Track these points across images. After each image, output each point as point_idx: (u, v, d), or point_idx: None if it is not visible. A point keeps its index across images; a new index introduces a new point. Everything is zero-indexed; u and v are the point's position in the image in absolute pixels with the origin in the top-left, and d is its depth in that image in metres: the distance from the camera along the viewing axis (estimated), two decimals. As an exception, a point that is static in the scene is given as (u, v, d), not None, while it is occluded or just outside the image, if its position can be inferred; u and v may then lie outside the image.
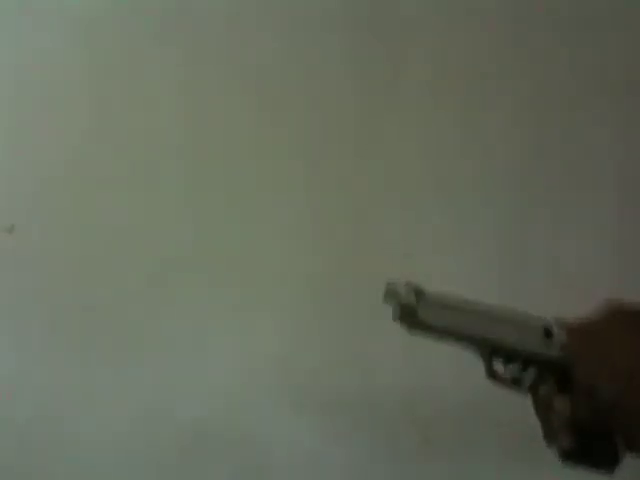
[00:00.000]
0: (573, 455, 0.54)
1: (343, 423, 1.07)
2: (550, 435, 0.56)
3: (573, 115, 1.09)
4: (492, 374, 0.58)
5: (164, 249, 1.08)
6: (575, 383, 0.54)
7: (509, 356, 0.58)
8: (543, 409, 0.56)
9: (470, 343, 0.59)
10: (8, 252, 1.07)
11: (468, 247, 1.08)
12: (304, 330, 1.08)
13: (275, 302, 1.08)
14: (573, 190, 1.09)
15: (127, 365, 1.08)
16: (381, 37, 1.09)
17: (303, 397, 1.07)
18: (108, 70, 1.09)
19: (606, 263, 1.07)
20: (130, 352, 1.08)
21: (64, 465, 1.07)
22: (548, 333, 0.58)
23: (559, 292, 1.03)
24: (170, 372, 1.07)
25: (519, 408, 0.64)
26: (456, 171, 1.10)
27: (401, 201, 1.09)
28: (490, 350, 0.58)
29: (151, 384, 1.07)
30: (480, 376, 0.66)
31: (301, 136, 1.10)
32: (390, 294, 0.57)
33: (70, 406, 1.07)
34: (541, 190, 1.10)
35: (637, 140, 1.09)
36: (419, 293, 0.57)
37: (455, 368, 1.00)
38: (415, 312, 0.56)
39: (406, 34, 1.10)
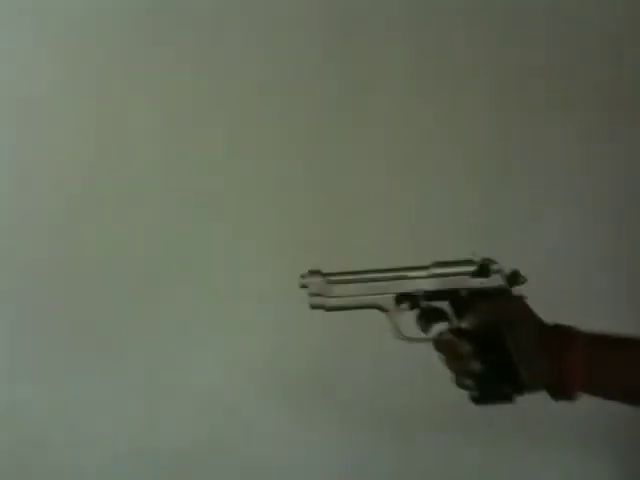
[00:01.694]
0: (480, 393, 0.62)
1: (324, 416, 1.11)
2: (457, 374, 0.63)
3: (547, 99, 1.11)
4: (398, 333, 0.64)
5: (149, 252, 1.10)
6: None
7: (413, 299, 0.64)
8: (447, 352, 0.63)
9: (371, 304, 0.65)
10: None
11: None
12: (286, 330, 1.10)
13: (258, 303, 1.10)
14: (548, 174, 1.12)
15: (114, 365, 1.10)
16: (360, 34, 1.11)
17: (286, 394, 1.11)
18: (93, 96, 1.10)
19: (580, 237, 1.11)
20: (117, 352, 1.10)
21: (53, 464, 1.10)
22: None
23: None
24: (156, 372, 1.10)
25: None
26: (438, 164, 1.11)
27: (384, 201, 1.11)
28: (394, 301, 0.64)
29: (138, 384, 1.10)
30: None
31: (282, 141, 1.11)
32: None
33: (58, 404, 1.09)
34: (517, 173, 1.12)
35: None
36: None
37: (426, 364, 1.06)
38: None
39: (385, 30, 1.11)
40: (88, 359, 1.09)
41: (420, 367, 1.07)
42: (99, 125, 1.10)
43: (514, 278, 0.63)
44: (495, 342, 0.61)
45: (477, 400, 0.62)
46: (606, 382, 0.61)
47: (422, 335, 0.65)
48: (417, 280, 0.63)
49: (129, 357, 1.10)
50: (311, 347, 1.10)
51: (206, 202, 1.11)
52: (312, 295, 0.64)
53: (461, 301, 0.63)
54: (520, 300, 0.62)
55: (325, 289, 0.64)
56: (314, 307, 0.64)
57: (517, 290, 0.63)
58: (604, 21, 1.11)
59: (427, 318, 0.65)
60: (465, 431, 1.11)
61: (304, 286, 0.64)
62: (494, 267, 0.63)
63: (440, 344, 0.63)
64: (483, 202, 1.10)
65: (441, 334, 0.63)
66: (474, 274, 0.63)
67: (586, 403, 1.05)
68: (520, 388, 0.61)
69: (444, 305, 0.63)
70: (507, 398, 0.61)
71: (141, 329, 1.10)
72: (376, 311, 0.68)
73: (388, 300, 0.63)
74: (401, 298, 0.64)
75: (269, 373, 1.10)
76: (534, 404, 1.06)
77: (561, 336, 0.61)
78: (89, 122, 1.10)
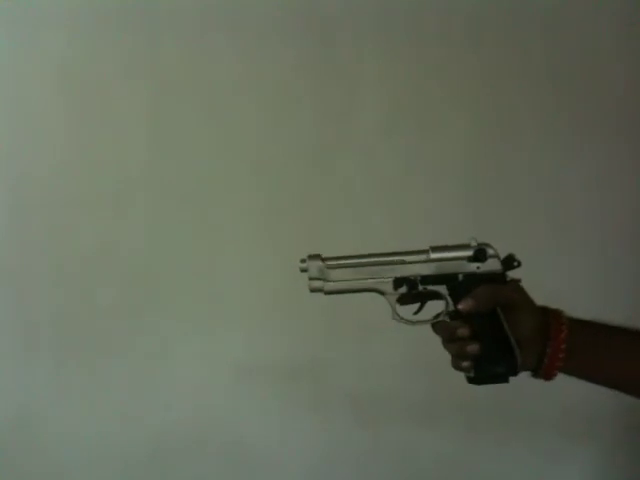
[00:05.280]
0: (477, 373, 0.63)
1: (300, 421, 1.15)
2: (454, 356, 0.64)
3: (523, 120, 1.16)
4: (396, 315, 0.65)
5: (136, 252, 1.12)
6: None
7: (411, 283, 0.65)
8: (445, 335, 0.64)
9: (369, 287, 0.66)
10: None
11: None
12: (261, 341, 1.14)
13: (234, 314, 1.13)
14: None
15: (100, 372, 1.12)
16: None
17: (263, 399, 1.15)
18: (82, 101, 1.13)
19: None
20: (103, 360, 1.13)
21: (40, 464, 1.13)
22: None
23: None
24: (140, 379, 1.13)
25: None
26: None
27: (353, 216, 1.14)
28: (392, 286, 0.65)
29: (122, 390, 1.13)
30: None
31: (263, 160, 1.14)
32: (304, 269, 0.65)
33: (47, 410, 1.13)
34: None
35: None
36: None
37: (402, 372, 1.12)
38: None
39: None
40: (77, 357, 1.12)
41: (398, 356, 1.11)
42: (87, 129, 1.12)
43: (509, 262, 0.64)
44: (492, 325, 0.62)
45: (473, 380, 0.63)
46: (588, 366, 0.63)
47: (420, 318, 0.66)
48: (415, 264, 0.64)
49: (123, 353, 1.12)
50: (293, 338, 1.12)
51: (191, 205, 1.12)
52: (311, 279, 0.64)
53: (458, 285, 0.64)
54: (515, 284, 0.64)
55: (324, 273, 0.64)
56: (313, 290, 0.65)
57: (512, 273, 0.65)
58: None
59: (424, 300, 0.66)
60: (451, 418, 1.14)
61: (304, 270, 0.64)
62: (490, 252, 0.64)
63: (438, 327, 0.65)
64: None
65: (438, 316, 0.64)
66: (470, 259, 0.64)
67: (571, 391, 1.10)
68: (515, 368, 0.62)
69: (441, 289, 0.64)
70: (503, 378, 0.63)
71: (129, 327, 1.12)
72: (360, 303, 0.69)
73: (386, 284, 0.64)
74: (399, 282, 0.64)
75: (252, 363, 1.13)
76: (519, 391, 1.11)
77: (548, 318, 0.63)
78: (77, 124, 1.12)
